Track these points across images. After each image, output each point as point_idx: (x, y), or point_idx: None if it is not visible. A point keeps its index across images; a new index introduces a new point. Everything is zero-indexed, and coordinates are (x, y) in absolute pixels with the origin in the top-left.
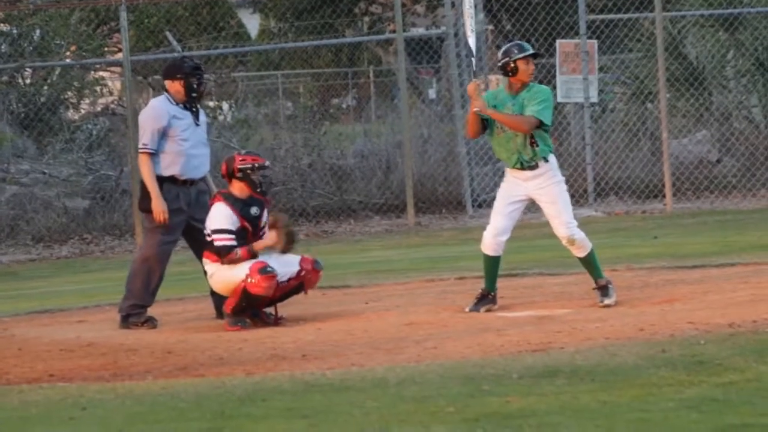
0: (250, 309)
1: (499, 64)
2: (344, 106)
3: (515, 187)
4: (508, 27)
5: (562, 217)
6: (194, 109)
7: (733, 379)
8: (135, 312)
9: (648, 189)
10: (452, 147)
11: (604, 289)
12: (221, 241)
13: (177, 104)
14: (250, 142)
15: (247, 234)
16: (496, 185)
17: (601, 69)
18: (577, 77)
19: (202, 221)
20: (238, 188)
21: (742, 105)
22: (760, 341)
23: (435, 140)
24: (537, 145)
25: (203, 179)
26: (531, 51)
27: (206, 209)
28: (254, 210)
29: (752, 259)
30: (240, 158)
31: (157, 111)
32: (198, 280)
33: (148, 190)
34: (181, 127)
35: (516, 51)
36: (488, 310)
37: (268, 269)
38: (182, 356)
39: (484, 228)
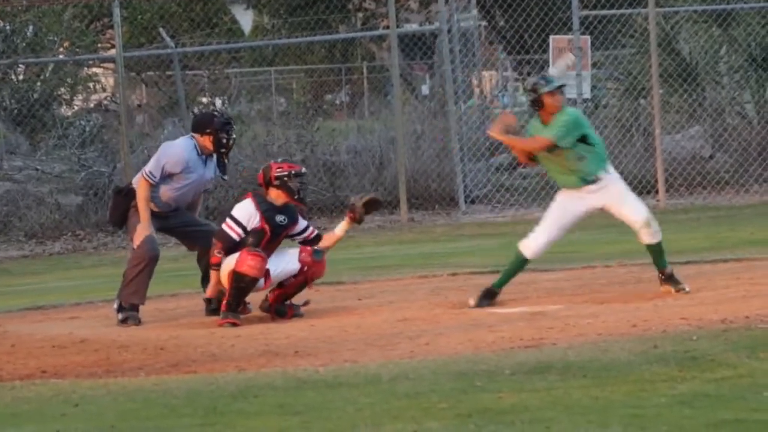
0: (242, 301)
1: (528, 99)
2: (337, 102)
3: (576, 202)
4: (501, 23)
5: (637, 204)
6: (221, 163)
7: (725, 375)
8: (124, 307)
9: (641, 184)
10: (445, 143)
11: (672, 278)
12: (228, 228)
13: (200, 155)
14: (243, 138)
15: (264, 237)
16: (489, 181)
17: (594, 65)
18: (570, 73)
19: (184, 222)
20: (275, 195)
21: (734, 101)
22: (752, 337)
23: (428, 136)
24: (585, 159)
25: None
26: (556, 84)
27: (184, 214)
28: (281, 218)
29: (745, 254)
30: (276, 166)
31: (178, 158)
32: (190, 277)
33: (138, 210)
34: (189, 179)
35: (542, 83)
36: (490, 305)
37: (257, 249)
38: (174, 352)
39: (477, 224)
